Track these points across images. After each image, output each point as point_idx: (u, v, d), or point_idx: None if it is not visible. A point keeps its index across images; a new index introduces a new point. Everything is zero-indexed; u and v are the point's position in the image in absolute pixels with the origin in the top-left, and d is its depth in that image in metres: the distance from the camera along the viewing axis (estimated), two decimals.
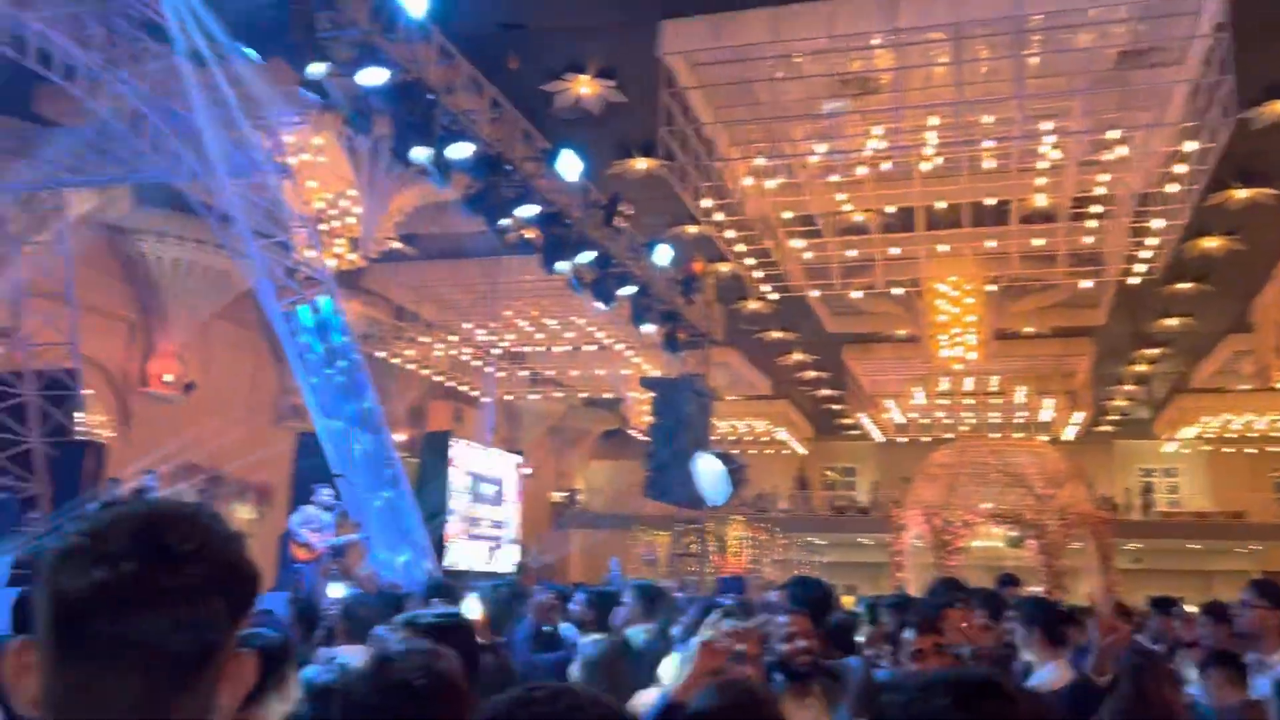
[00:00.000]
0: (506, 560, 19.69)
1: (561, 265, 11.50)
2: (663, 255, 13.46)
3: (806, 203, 15.04)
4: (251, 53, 10.76)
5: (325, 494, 11.69)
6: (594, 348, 23.57)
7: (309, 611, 6.55)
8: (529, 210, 10.49)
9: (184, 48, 10.87)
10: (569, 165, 10.57)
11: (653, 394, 15.83)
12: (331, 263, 16.82)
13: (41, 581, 0.99)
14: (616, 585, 8.93)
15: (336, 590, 10.11)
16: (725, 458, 14.81)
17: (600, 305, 12.89)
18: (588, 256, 11.85)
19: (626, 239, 13.01)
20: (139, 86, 11.46)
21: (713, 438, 17.07)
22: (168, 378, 19.81)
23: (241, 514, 20.34)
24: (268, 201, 12.75)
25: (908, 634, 3.86)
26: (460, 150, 9.08)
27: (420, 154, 8.56)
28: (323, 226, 16.73)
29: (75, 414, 14.71)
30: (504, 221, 10.28)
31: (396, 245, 18.03)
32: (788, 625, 3.53)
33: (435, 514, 17.30)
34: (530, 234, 11.67)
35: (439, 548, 15.82)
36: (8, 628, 4.56)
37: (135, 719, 0.95)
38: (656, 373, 19.50)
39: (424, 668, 1.98)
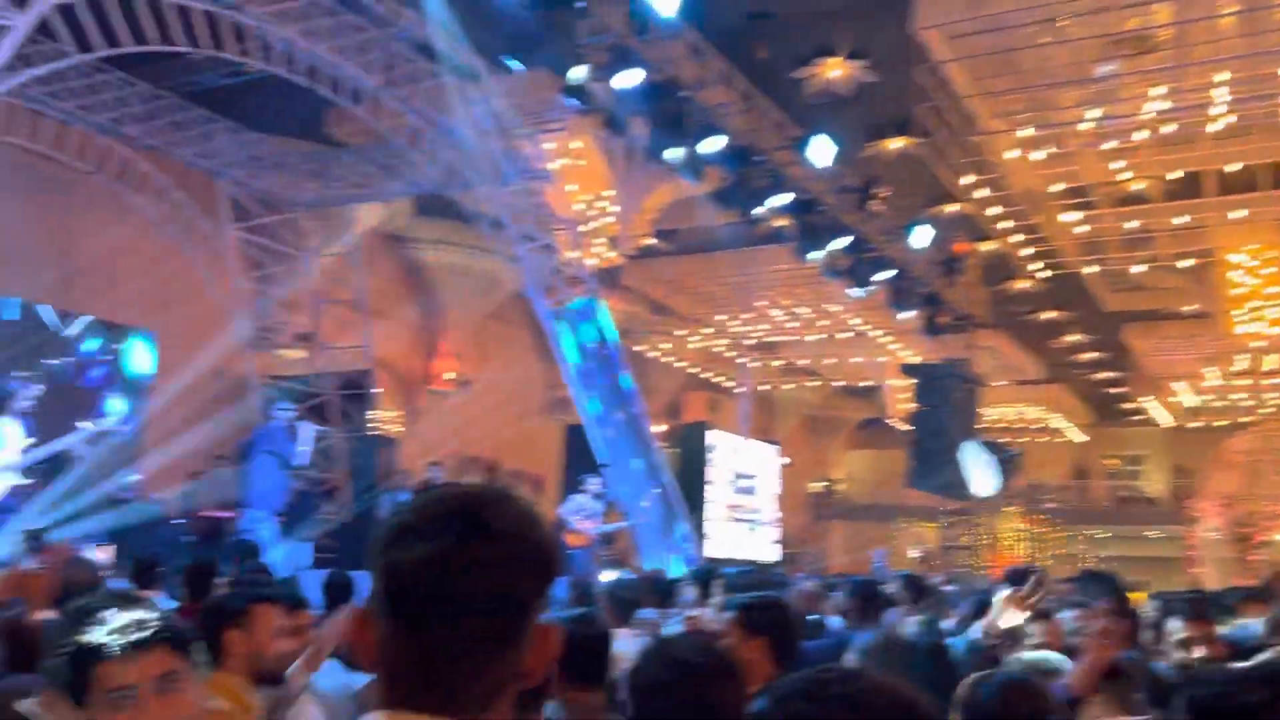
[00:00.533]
0: (765, 548, 19.74)
1: (815, 253, 11.39)
2: (922, 236, 13.04)
3: (1078, 173, 14.14)
4: (515, 64, 11.30)
5: (594, 483, 12.15)
6: (849, 335, 23.17)
7: (586, 594, 6.83)
8: (781, 199, 10.45)
9: (451, 65, 11.59)
10: (821, 151, 10.45)
11: (914, 381, 15.38)
12: (592, 262, 17.46)
13: (375, 556, 1.10)
14: (882, 577, 8.76)
15: (609, 575, 10.51)
16: (995, 447, 14.16)
17: (856, 292, 12.67)
18: (842, 242, 11.67)
19: (882, 222, 12.70)
20: (416, 105, 12.30)
21: (979, 425, 16.37)
22: (448, 375, 21.18)
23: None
24: (533, 206, 13.40)
25: (1173, 623, 3.59)
26: (712, 144, 9.18)
27: (674, 152, 8.73)
28: (583, 228, 17.39)
29: (369, 411, 15.96)
30: (756, 212, 10.30)
31: (652, 242, 18.47)
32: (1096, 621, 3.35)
33: (694, 503, 17.61)
34: (783, 223, 11.64)
35: (699, 535, 16.09)
36: (321, 603, 5.06)
37: (456, 676, 1.05)
38: (917, 359, 18.92)
39: (703, 648, 2.04)
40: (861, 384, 27.97)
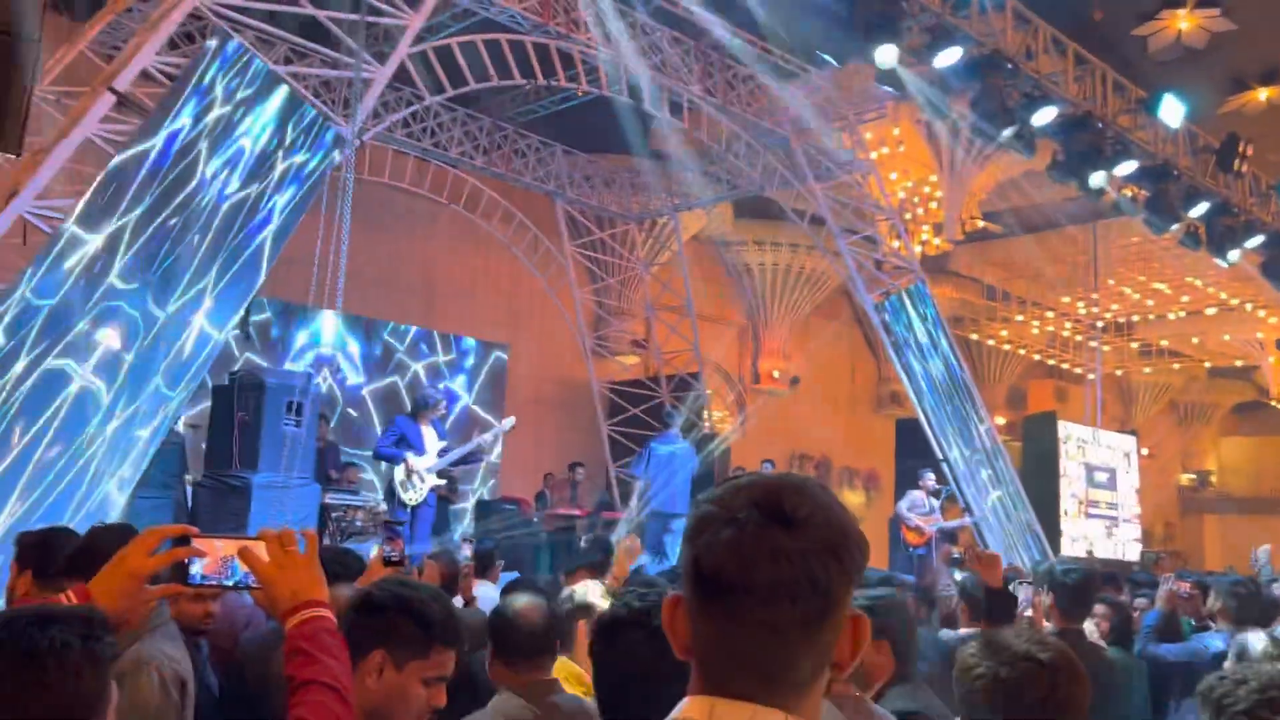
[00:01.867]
0: (1126, 546, 18.38)
1: (1171, 223, 10.39)
2: None
3: None
4: (829, 59, 11.23)
5: (930, 478, 11.80)
6: (1216, 310, 20.95)
7: (927, 594, 6.67)
8: (1126, 167, 9.62)
9: (768, 65, 11.71)
10: (1171, 111, 9.53)
11: None
12: (918, 249, 16.97)
13: (684, 544, 1.15)
14: (1266, 576, 7.87)
15: (956, 575, 10.15)
16: None
17: (1222, 261, 11.43)
18: (1201, 208, 10.56)
19: (1248, 183, 11.38)
20: (732, 111, 12.53)
21: None
22: (775, 373, 21.36)
23: (851, 499, 21.26)
24: (853, 199, 13.24)
25: None
26: (1044, 115, 8.64)
27: (1005, 127, 8.30)
28: (908, 215, 16.94)
29: (702, 411, 16.42)
30: (1097, 182, 9.55)
31: (982, 224, 17.66)
32: None
33: (1045, 499, 16.65)
34: (1131, 192, 10.72)
35: (1054, 533, 15.20)
36: None
37: (767, 664, 1.07)
38: None
39: (1042, 644, 2.00)
40: (1235, 364, 25.18)
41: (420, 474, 8.00)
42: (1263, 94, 12.74)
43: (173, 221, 6.53)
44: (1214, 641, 4.70)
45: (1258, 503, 25.88)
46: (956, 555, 8.61)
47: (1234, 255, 11.01)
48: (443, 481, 8.56)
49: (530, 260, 15.29)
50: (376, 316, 14.38)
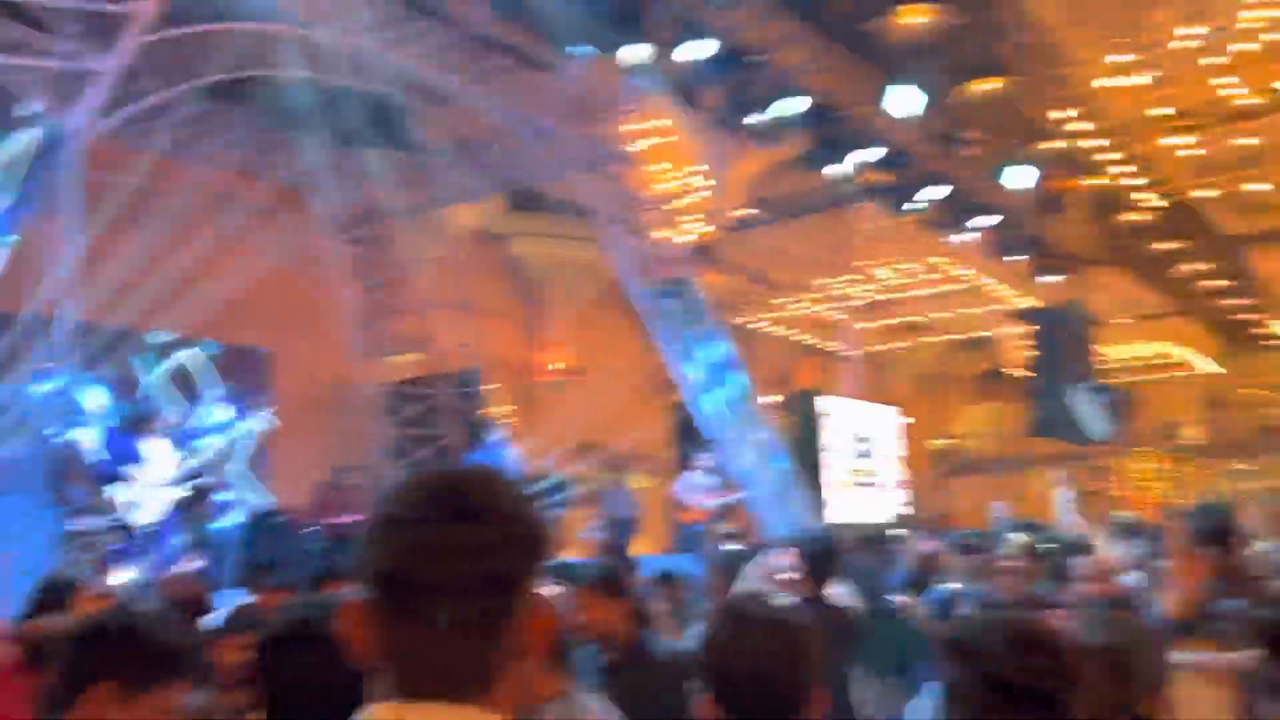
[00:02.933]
0: (889, 511, 19.51)
1: (909, 205, 11.12)
2: (1018, 178, 12.61)
3: (1179, 95, 13.50)
4: (585, 49, 11.34)
5: (704, 459, 12.18)
6: (959, 287, 22.59)
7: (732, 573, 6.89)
8: (868, 154, 10.23)
9: (528, 58, 11.69)
10: (905, 101, 10.19)
11: (1028, 327, 14.91)
12: (686, 239, 17.42)
13: (363, 546, 1.14)
14: (1004, 528, 8.56)
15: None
16: (1102, 389, 13.61)
17: (957, 240, 12.34)
18: (937, 192, 11.37)
19: (977, 167, 12.34)
20: (499, 102, 12.45)
21: (1099, 366, 15.80)
22: (557, 365, 21.45)
23: (638, 483, 21.63)
24: (620, 189, 13.45)
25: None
26: (790, 106, 9.04)
27: (751, 118, 8.63)
28: (676, 204, 17.36)
29: (482, 408, 16.29)
30: (842, 170, 10.11)
31: (748, 212, 18.29)
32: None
33: (812, 471, 17.48)
34: (875, 178, 11.40)
35: (818, 502, 15.98)
36: None
37: (454, 661, 1.08)
38: (1031, 304, 18.33)
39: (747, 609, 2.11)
40: (976, 336, 27.24)
41: (147, 491, 7.52)
42: (987, 84, 13.79)
43: None
44: (946, 592, 5.07)
45: (1000, 463, 28.14)
46: (730, 530, 8.95)
47: (966, 235, 11.93)
48: (184, 495, 8.09)
49: (295, 258, 14.67)
50: (123, 323, 13.41)
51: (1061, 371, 13.49)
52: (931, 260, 20.83)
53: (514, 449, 12.39)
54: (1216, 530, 3.83)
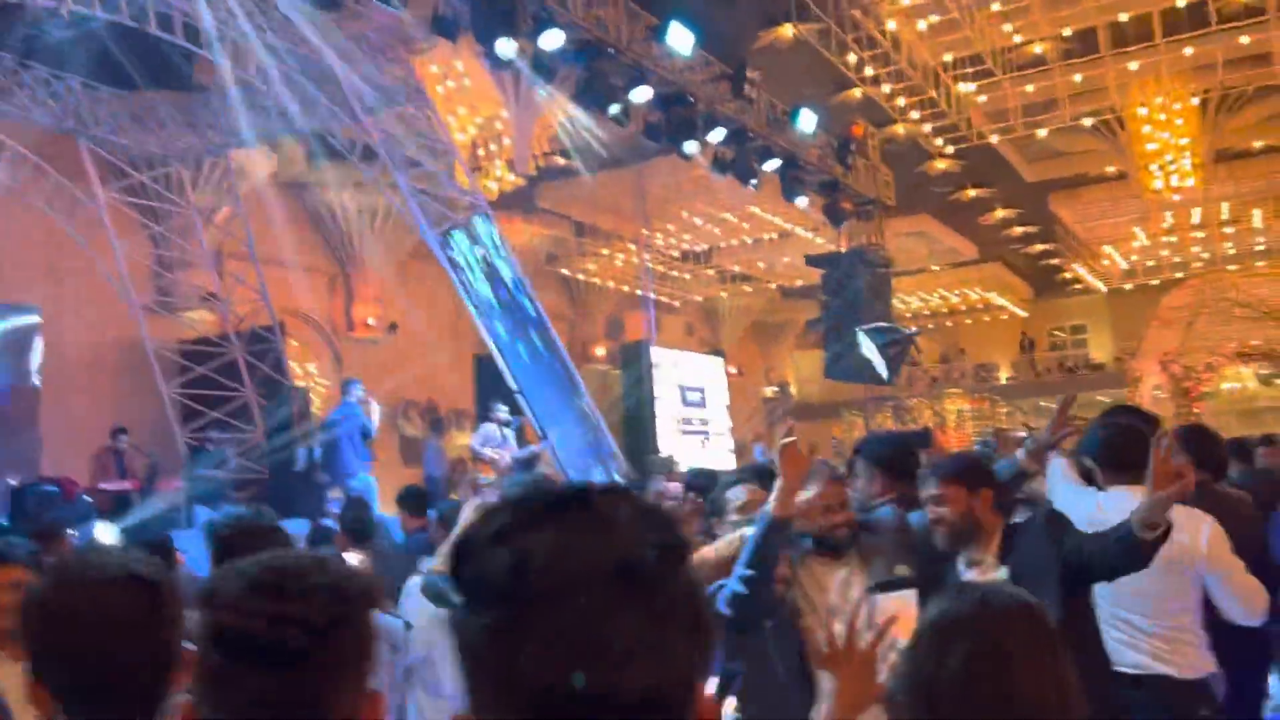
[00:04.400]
0: (720, 458, 19.77)
1: (690, 146, 10.98)
2: (807, 122, 12.65)
3: (970, 40, 13.78)
4: None
5: (502, 411, 11.89)
6: (776, 235, 22.89)
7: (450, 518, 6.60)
8: (642, 94, 10.01)
9: None
10: (681, 39, 9.98)
11: (821, 271, 15.13)
12: (493, 185, 16.98)
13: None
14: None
15: None
16: (884, 329, 13.92)
17: (748, 184, 12.30)
18: (719, 134, 11.27)
19: (764, 111, 12.31)
20: (272, 41, 11.70)
21: (894, 311, 16.16)
22: (371, 320, 20.75)
23: (459, 441, 21.22)
24: (415, 133, 12.88)
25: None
26: (552, 39, 8.71)
27: (507, 48, 8.25)
28: (480, 151, 16.87)
29: (281, 364, 15.53)
30: (614, 110, 9.86)
31: (560, 161, 17.94)
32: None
33: (641, 421, 17.48)
34: (653, 120, 11.20)
35: (651, 451, 15.98)
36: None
37: None
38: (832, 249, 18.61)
39: None
40: (797, 283, 27.78)
41: None
42: (786, 30, 13.78)
43: None
44: None
45: (828, 408, 28.91)
46: (483, 479, 8.75)
47: (754, 179, 11.90)
48: None
49: (58, 209, 13.59)
50: None
51: (853, 315, 13.72)
52: (751, 209, 21.02)
53: (374, 408, 11.89)
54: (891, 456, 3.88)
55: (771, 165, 12.32)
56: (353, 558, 4.23)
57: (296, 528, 6.85)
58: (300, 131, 14.14)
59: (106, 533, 6.43)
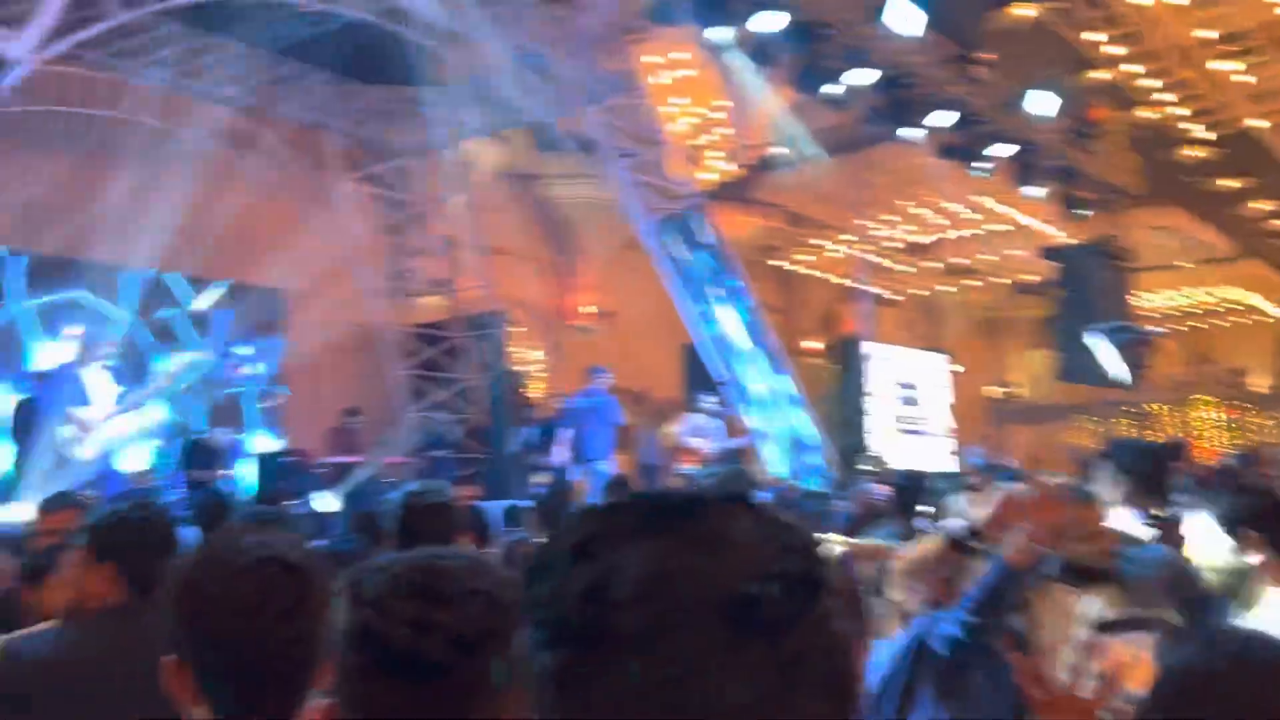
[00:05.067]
0: (939, 459, 19.15)
1: (914, 132, 10.50)
2: (1043, 105, 11.82)
3: (1229, 17, 12.56)
4: None
5: (710, 401, 11.82)
6: (1008, 228, 21.75)
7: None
8: (865, 76, 9.62)
9: None
10: (907, 19, 9.53)
11: (1057, 266, 14.19)
12: (711, 176, 16.92)
13: None
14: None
15: None
16: (1123, 329, 12.81)
17: (977, 172, 11.68)
18: (947, 118, 10.71)
19: (995, 93, 11.61)
20: (498, 34, 12.04)
21: (1136, 310, 14.97)
22: (587, 309, 21.18)
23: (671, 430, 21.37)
24: (633, 123, 12.99)
25: None
26: (771, 22, 8.49)
27: (723, 33, 8.12)
28: (699, 141, 16.84)
29: (503, 351, 16.06)
30: (832, 91, 9.52)
31: (777, 150, 17.68)
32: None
33: (851, 418, 17.06)
34: (875, 104, 10.77)
35: (861, 450, 15.58)
36: None
37: None
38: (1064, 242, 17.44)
39: None
40: (1030, 279, 26.32)
41: (91, 426, 7.41)
42: (1022, 9, 12.97)
43: None
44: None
45: (1057, 411, 27.32)
46: (682, 471, 8.64)
47: (985, 167, 11.26)
48: (127, 430, 7.98)
49: (305, 199, 14.53)
50: (139, 266, 13.40)
51: (1089, 314, 12.75)
52: (978, 199, 20.04)
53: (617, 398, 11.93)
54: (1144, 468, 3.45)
55: (1003, 151, 11.63)
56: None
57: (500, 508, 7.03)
58: (525, 123, 14.54)
59: (331, 501, 6.78)
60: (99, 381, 7.56)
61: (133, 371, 10.25)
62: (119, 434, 7.56)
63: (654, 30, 13.08)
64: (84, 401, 7.44)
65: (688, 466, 11.28)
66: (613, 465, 11.78)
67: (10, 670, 2.21)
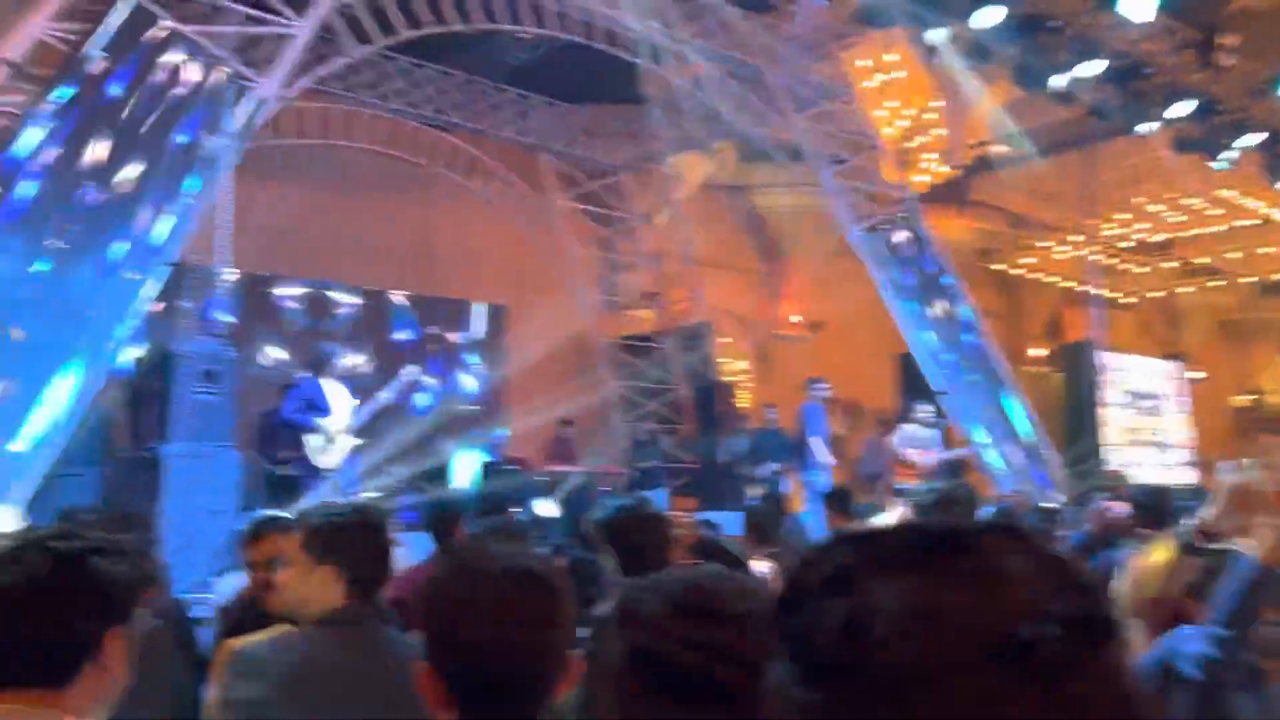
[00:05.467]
0: (1177, 472, 18.02)
1: (1147, 125, 9.82)
2: None
3: None
4: None
5: (925, 411, 11.46)
6: (1254, 223, 20.06)
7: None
8: (1092, 68, 9.07)
9: None
10: (1139, 5, 8.93)
11: None
12: (924, 179, 16.43)
13: None
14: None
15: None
16: None
17: (1218, 165, 10.81)
18: (1185, 108, 9.96)
19: (1239, 81, 10.69)
20: (705, 47, 12.13)
21: None
22: (795, 318, 20.98)
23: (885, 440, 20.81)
24: (842, 129, 12.80)
25: None
26: (990, 17, 8.15)
27: (939, 34, 7.85)
28: (911, 144, 16.38)
29: (711, 361, 16.17)
30: (1059, 88, 9.03)
31: (994, 149, 16.99)
32: None
33: (1082, 429, 16.24)
34: (1103, 96, 10.14)
35: (1093, 463, 14.80)
36: None
37: None
38: None
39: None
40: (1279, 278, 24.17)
41: (334, 436, 7.85)
42: None
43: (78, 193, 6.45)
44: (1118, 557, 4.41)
45: None
46: (900, 487, 8.34)
47: (1229, 156, 10.40)
48: (361, 441, 8.41)
49: (523, 217, 15.09)
50: (366, 285, 14.29)
51: None
52: (1221, 194, 18.59)
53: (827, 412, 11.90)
54: None
55: (1248, 142, 10.72)
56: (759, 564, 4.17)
57: (721, 519, 7.03)
58: (733, 134, 14.58)
59: (550, 507, 6.98)
60: (337, 393, 8.07)
61: (367, 384, 10.89)
62: (356, 445, 8.04)
63: (864, 34, 12.85)
64: (326, 412, 7.95)
65: (906, 482, 10.96)
66: (828, 477, 11.62)
67: (245, 673, 2.30)
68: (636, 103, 15.12)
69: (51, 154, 6.35)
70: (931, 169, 16.04)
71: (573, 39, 11.73)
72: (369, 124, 13.14)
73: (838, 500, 6.27)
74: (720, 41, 12.06)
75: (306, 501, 6.96)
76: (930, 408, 11.52)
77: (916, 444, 11.31)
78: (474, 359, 15.50)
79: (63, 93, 6.44)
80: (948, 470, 11.53)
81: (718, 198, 19.68)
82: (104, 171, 6.42)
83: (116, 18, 6.76)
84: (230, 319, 10.33)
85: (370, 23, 8.36)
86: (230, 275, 9.84)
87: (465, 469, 12.95)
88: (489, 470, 13.75)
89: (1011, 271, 23.07)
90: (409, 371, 9.11)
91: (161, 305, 8.44)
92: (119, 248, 6.58)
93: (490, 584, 1.52)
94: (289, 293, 12.91)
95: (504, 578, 1.53)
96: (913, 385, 13.03)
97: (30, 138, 6.27)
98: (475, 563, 1.59)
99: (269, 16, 7.88)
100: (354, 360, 10.71)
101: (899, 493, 8.52)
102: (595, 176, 15.70)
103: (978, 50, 8.30)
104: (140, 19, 6.87)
